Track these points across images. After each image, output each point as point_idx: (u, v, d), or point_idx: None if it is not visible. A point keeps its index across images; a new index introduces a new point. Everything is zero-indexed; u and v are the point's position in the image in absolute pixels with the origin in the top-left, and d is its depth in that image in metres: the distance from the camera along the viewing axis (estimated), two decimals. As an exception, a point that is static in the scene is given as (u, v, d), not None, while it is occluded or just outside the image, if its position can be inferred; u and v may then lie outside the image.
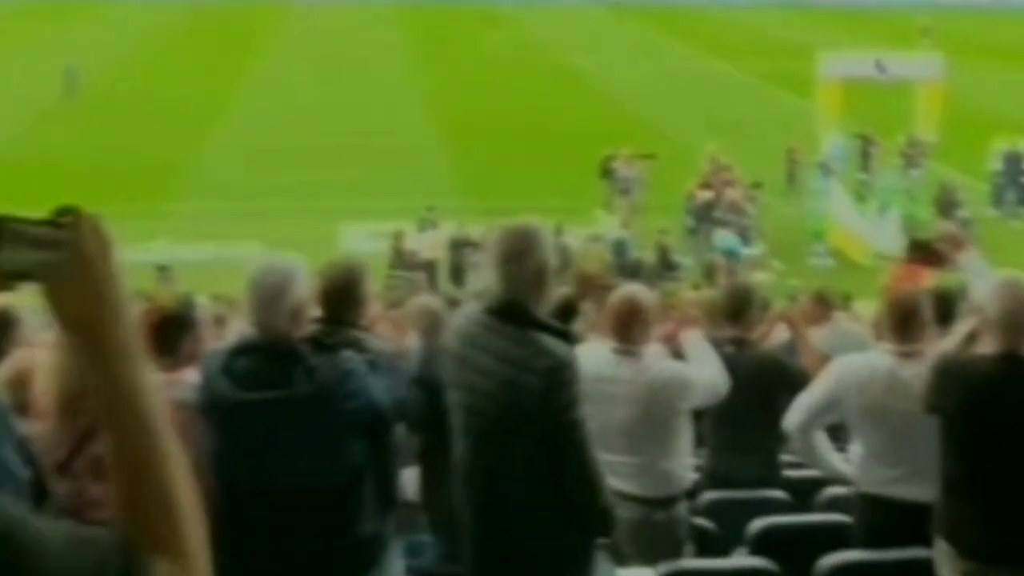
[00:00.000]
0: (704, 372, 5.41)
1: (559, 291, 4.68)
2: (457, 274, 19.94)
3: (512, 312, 3.79)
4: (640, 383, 5.12)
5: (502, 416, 3.77)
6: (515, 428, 3.76)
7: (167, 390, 2.95)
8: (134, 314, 1.50)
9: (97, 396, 1.47)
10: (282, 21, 54.49)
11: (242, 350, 3.86)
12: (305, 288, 3.85)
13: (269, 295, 3.77)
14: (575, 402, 3.72)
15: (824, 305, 9.72)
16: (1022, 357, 4.32)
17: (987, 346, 4.40)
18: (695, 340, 5.63)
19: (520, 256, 3.78)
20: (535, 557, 3.89)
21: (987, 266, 5.21)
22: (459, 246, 19.99)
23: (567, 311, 4.31)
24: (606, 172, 24.33)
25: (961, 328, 4.75)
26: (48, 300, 1.44)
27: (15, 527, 1.25)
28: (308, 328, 3.90)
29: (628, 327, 5.14)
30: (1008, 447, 4.31)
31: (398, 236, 20.19)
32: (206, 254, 19.96)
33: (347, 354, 3.86)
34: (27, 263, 1.41)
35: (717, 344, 6.20)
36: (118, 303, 1.46)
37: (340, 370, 3.78)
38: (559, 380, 3.69)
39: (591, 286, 4.47)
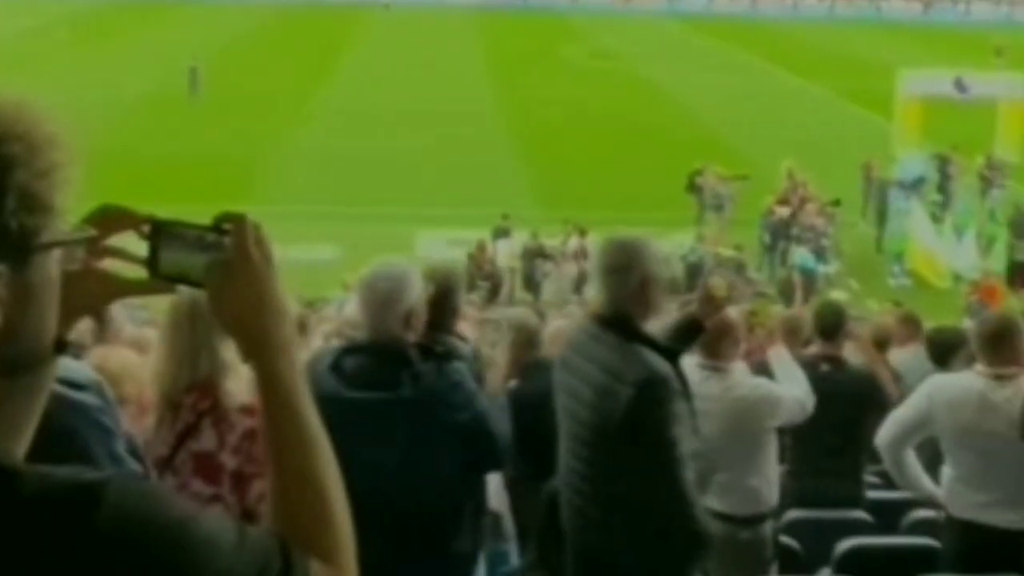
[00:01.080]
0: (793, 390, 5.38)
1: (687, 309, 4.69)
2: (530, 283, 19.93)
3: (615, 323, 3.82)
4: (728, 400, 5.10)
5: (596, 423, 3.78)
6: (607, 437, 3.77)
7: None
8: (294, 318, 1.52)
9: (259, 397, 1.49)
10: (367, 23, 55.03)
11: (352, 350, 3.89)
12: (419, 293, 3.87)
13: (383, 299, 3.79)
14: (669, 420, 3.70)
15: (912, 326, 9.61)
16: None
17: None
18: (782, 357, 5.59)
19: (624, 269, 3.82)
20: (623, 569, 3.88)
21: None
22: (532, 256, 19.98)
23: (691, 330, 4.33)
24: (693, 187, 24.19)
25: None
26: (211, 303, 1.48)
27: (189, 524, 1.26)
28: (418, 334, 3.92)
29: (717, 343, 5.12)
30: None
31: (479, 246, 20.18)
32: (283, 257, 20.03)
33: (457, 365, 3.88)
34: (188, 266, 1.46)
35: (812, 362, 6.18)
36: (279, 305, 1.49)
37: (449, 379, 3.80)
38: (652, 395, 3.70)
39: (718, 306, 4.46)
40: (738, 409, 5.11)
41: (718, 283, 4.58)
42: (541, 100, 37.30)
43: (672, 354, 3.87)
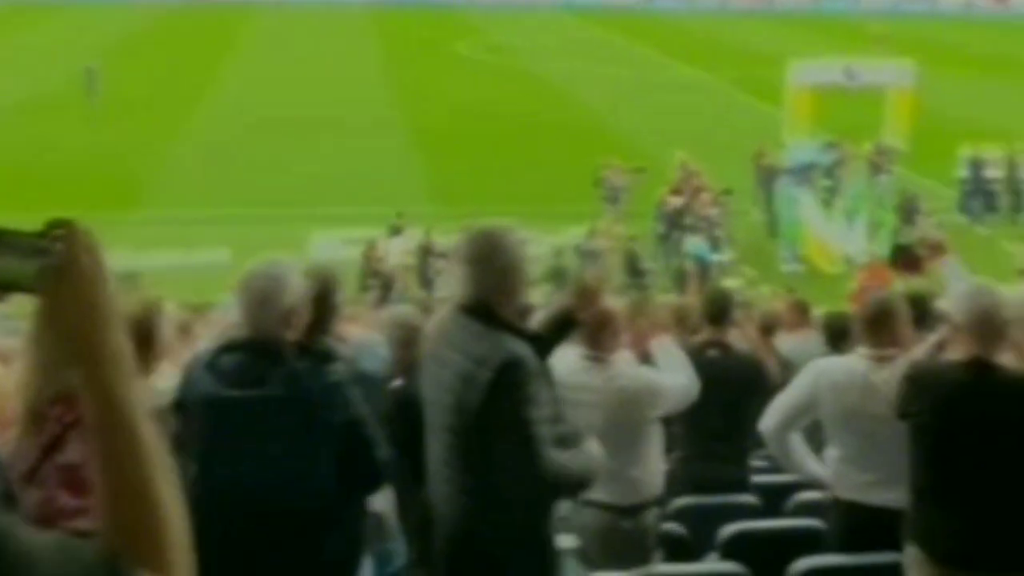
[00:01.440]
0: (676, 378, 5.45)
1: (560, 301, 4.73)
2: (425, 281, 19.91)
3: (478, 311, 3.86)
4: (610, 390, 5.15)
5: (461, 410, 3.82)
6: (471, 423, 3.81)
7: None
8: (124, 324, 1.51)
9: (86, 405, 1.47)
10: (258, 22, 54.40)
11: (229, 348, 3.86)
12: (299, 292, 3.86)
13: (261, 297, 3.78)
14: (525, 401, 3.74)
15: (801, 312, 9.81)
16: (990, 364, 4.38)
17: (956, 353, 4.44)
18: (666, 346, 5.66)
19: (486, 259, 3.87)
20: (491, 555, 3.91)
21: (966, 273, 5.27)
22: (426, 253, 19.96)
23: (565, 322, 4.39)
24: (598, 181, 24.35)
25: (933, 336, 4.78)
26: (40, 309, 1.46)
27: (4, 537, 1.24)
28: (297, 333, 3.90)
29: (598, 334, 5.17)
30: (976, 453, 4.36)
31: (371, 245, 20.13)
32: (174, 260, 19.83)
33: (336, 365, 3.87)
34: (19, 273, 1.45)
35: (700, 347, 6.28)
36: (110, 312, 1.47)
37: (325, 379, 3.79)
38: (509, 378, 3.73)
39: (591, 299, 4.51)
40: (620, 399, 5.16)
41: (590, 276, 4.62)
42: (436, 96, 37.23)
43: (536, 340, 3.91)
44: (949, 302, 4.63)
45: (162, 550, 1.45)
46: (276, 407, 3.73)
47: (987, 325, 4.37)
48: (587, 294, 4.48)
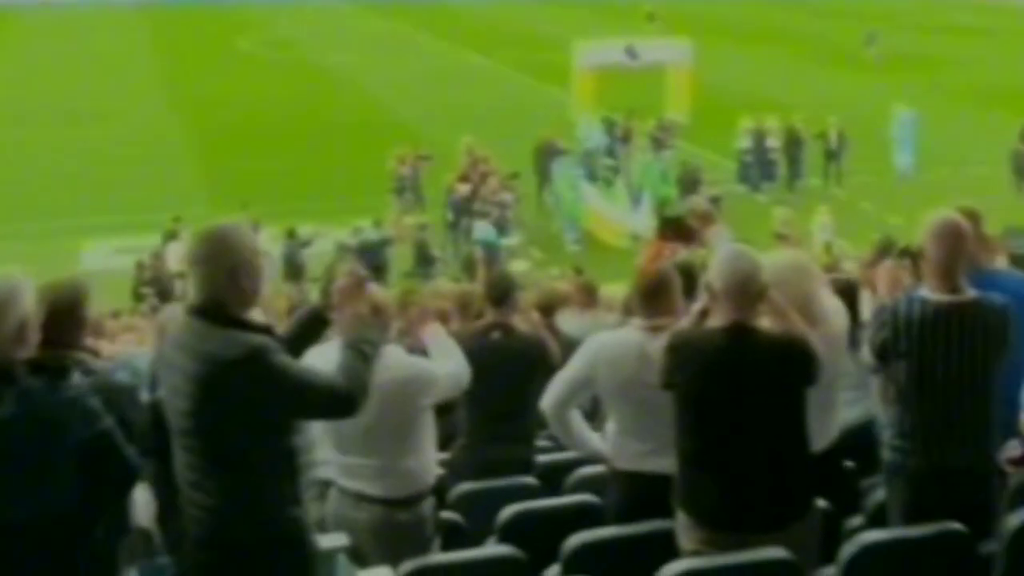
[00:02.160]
0: (446, 366, 5.43)
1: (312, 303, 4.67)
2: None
3: (209, 311, 3.81)
4: (379, 382, 5.07)
5: (203, 412, 3.77)
6: (215, 423, 3.77)
7: None
8: None
9: None
10: (25, 23, 52.30)
11: None
12: (29, 306, 3.71)
13: None
14: (274, 396, 3.74)
15: (589, 293, 9.97)
16: (748, 328, 4.47)
17: (715, 319, 4.53)
18: (436, 334, 5.64)
19: (212, 258, 3.82)
20: (245, 558, 3.89)
21: (735, 240, 5.39)
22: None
23: (315, 321, 4.35)
24: (386, 172, 24.27)
25: (696, 305, 4.87)
26: None
27: None
28: (32, 350, 3.75)
29: (364, 326, 5.09)
30: (735, 417, 4.45)
31: (155, 254, 19.59)
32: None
33: (73, 380, 3.78)
34: None
35: (484, 330, 6.29)
36: None
37: (62, 396, 3.68)
38: (252, 372, 3.70)
39: (344, 295, 4.47)
40: (390, 391, 5.10)
41: (344, 270, 4.54)
42: (217, 95, 36.47)
43: (271, 333, 3.88)
44: (709, 270, 4.71)
45: None
46: (8, 428, 3.59)
47: (744, 290, 4.45)
48: (343, 290, 4.42)
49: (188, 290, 3.93)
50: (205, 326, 3.80)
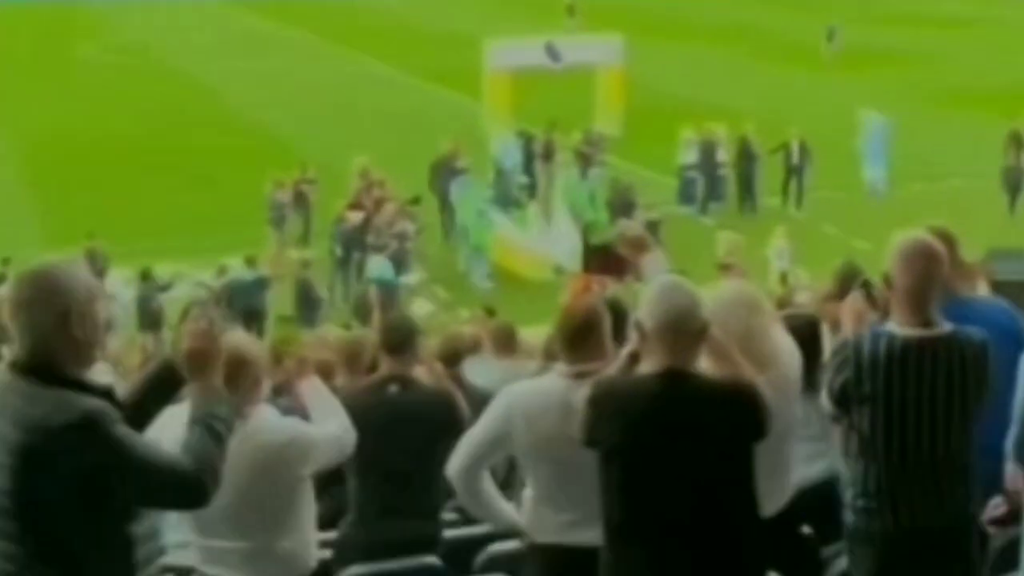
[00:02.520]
0: (327, 427, 5.41)
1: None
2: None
3: (34, 368, 3.76)
4: (247, 450, 5.03)
5: (25, 490, 3.70)
6: (34, 506, 3.71)
7: None
8: None
9: None
10: None
11: None
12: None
13: None
14: (111, 473, 3.71)
15: (507, 336, 9.97)
16: (685, 373, 4.50)
17: (647, 364, 4.55)
18: (313, 389, 5.63)
19: (38, 304, 3.76)
20: None
21: (673, 270, 5.43)
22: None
23: (167, 379, 4.31)
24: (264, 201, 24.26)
25: (624, 349, 4.87)
26: None
27: None
28: None
29: (230, 386, 5.05)
30: (669, 479, 4.48)
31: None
32: None
33: None
34: None
35: (379, 384, 6.28)
36: None
37: None
38: (85, 442, 3.66)
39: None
40: (260, 459, 5.07)
41: (194, 318, 4.46)
42: (51, 112, 36.06)
43: (107, 394, 3.83)
44: (639, 306, 4.73)
45: None
46: None
47: (679, 329, 4.48)
48: (190, 352, 4.28)
49: (11, 343, 3.87)
50: (31, 386, 3.74)
